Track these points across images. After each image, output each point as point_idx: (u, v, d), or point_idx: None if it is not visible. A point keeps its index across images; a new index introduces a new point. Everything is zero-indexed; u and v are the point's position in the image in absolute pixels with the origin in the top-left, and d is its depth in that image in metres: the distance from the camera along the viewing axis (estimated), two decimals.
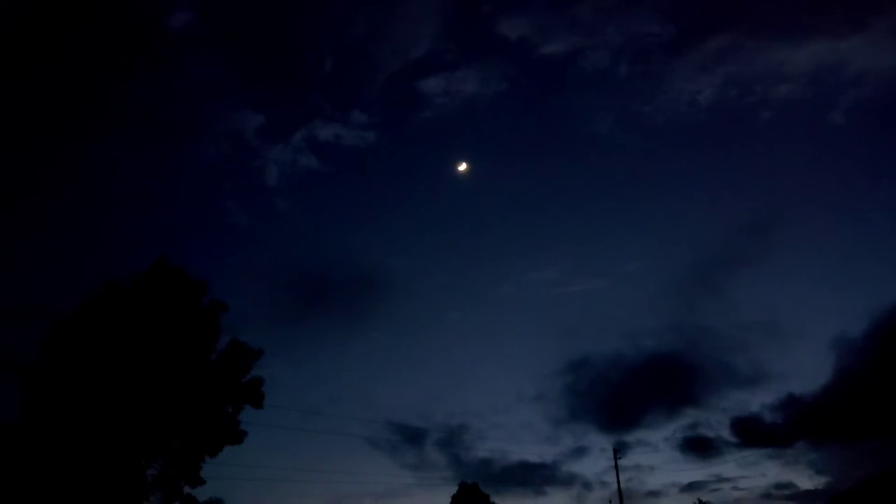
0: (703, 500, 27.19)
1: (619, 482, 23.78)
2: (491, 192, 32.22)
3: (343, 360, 30.89)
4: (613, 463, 23.65)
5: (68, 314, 17.26)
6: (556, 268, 32.12)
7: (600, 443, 30.35)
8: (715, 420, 28.24)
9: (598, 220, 32.97)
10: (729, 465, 33.13)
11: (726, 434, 28.45)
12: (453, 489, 26.33)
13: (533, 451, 33.06)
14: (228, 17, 31.89)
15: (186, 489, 17.55)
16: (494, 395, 32.88)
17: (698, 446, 27.94)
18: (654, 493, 28.19)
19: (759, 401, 33.53)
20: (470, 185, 32.22)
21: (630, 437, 28.87)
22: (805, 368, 31.33)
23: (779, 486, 28.48)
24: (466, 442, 26.03)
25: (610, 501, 24.27)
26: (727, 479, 28.39)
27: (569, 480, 27.65)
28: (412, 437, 24.05)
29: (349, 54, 32.42)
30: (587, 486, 27.77)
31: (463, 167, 32.28)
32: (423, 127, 32.82)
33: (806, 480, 33.14)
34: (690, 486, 28.18)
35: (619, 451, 24.13)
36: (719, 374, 29.23)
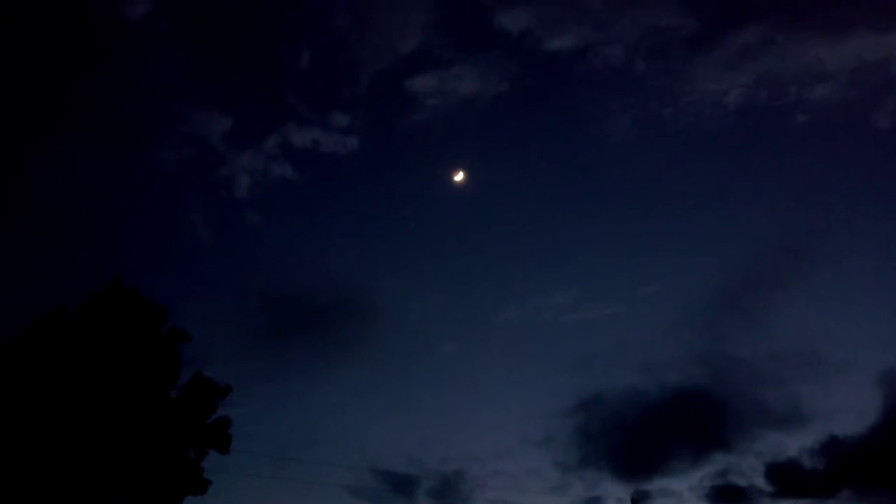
0: None
1: None
2: (491, 206, 30.51)
3: (323, 397, 28.60)
4: None
5: (4, 343, 15.86)
6: (565, 291, 30.17)
7: (616, 492, 28.17)
8: (747, 466, 26.22)
9: (613, 237, 31.02)
10: None
11: (760, 482, 26.49)
12: None
13: (540, 502, 31.31)
14: (192, 8, 30.31)
15: None
16: (495, 437, 30.64)
17: (728, 496, 26.02)
18: None
19: (797, 444, 30.83)
20: (467, 197, 30.48)
21: (650, 486, 26.80)
22: (849, 407, 28.73)
23: None
24: (464, 491, 24.42)
25: None
26: None
27: None
28: (401, 485, 22.35)
29: (329, 49, 30.79)
30: None
31: (459, 177, 30.41)
32: (414, 131, 30.90)
33: None
34: None
35: (638, 501, 22.60)
36: (752, 413, 27.29)
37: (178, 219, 30.09)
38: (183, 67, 30.13)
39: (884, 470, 24.37)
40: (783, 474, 26.72)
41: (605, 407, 28.79)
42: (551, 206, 31.20)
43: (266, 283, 29.55)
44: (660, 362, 28.76)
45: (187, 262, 30.49)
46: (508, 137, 31.20)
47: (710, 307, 29.53)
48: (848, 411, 30.14)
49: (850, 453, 25.95)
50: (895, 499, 25.68)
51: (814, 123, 30.43)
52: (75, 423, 15.72)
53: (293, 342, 29.14)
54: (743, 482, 27.59)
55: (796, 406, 28.82)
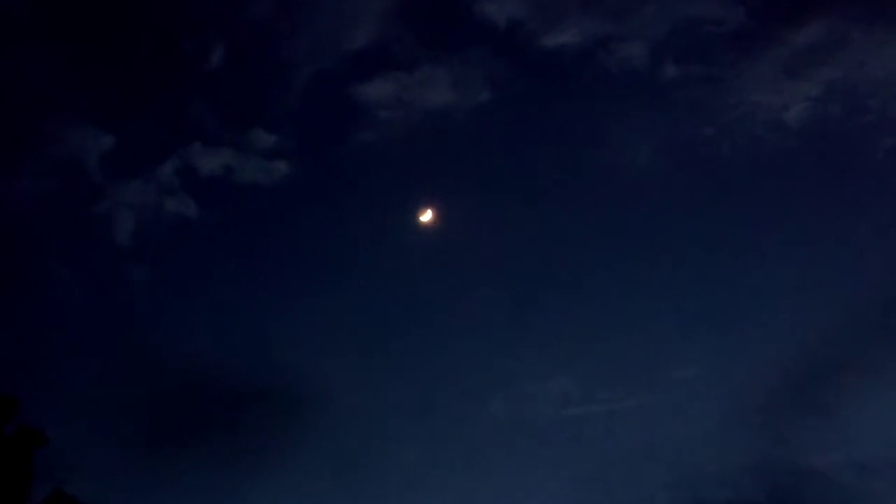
0: None
1: None
2: (469, 256, 25.11)
3: None
4: None
5: None
6: (569, 375, 24.30)
7: None
8: None
9: (632, 302, 25.96)
10: None
11: None
12: None
13: None
14: None
15: None
16: None
17: None
18: None
19: None
20: (436, 245, 25.08)
21: None
22: None
23: None
24: None
25: None
26: None
27: None
28: None
29: (248, 44, 25.05)
30: None
31: (426, 216, 25.37)
32: (364, 155, 25.36)
33: None
34: None
35: None
36: None
37: (36, 271, 23.76)
38: (48, 68, 23.96)
39: None
40: None
41: None
42: (550, 259, 25.87)
43: (157, 362, 23.18)
44: (700, 474, 22.97)
45: (48, 333, 23.85)
46: (492, 164, 25.84)
47: (768, 399, 23.97)
48: None
49: None
50: None
51: None
52: None
53: (193, 447, 22.70)
54: None
55: None
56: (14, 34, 24.34)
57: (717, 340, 25.86)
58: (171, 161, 25.51)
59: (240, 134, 25.95)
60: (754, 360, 25.92)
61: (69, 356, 23.94)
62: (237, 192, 25.62)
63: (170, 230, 25.41)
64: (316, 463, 23.81)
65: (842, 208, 26.42)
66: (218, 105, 26.11)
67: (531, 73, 26.61)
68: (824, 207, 26.71)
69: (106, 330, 24.30)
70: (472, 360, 25.37)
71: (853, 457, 24.23)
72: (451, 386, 25.38)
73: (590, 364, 25.27)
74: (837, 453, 24.16)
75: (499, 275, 25.62)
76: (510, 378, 25.45)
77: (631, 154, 26.30)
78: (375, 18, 25.92)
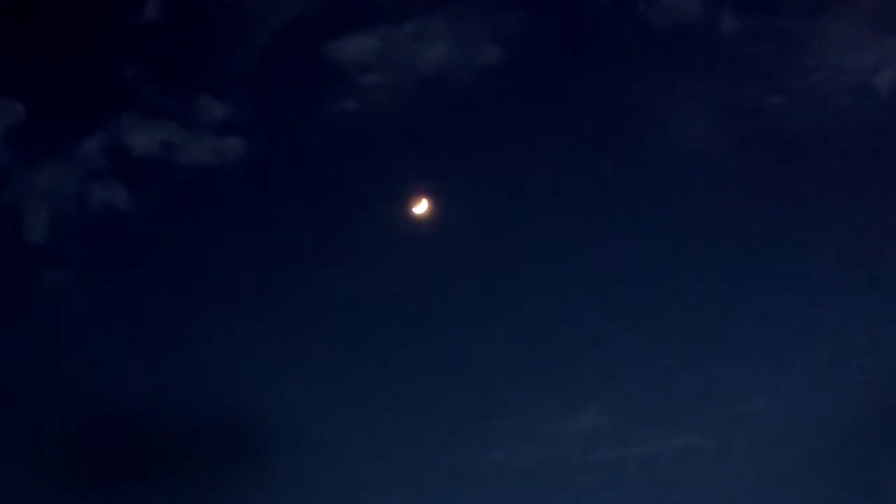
0: None
1: None
2: (474, 257, 21.02)
3: None
4: None
5: None
6: (598, 410, 19.60)
7: None
8: None
9: (681, 317, 21.34)
10: None
11: None
12: None
13: None
14: None
15: None
16: None
17: None
18: None
19: None
20: (433, 243, 20.87)
21: None
22: None
23: None
24: None
25: None
26: None
27: None
28: None
29: None
30: None
31: (420, 207, 21.14)
32: (341, 130, 20.86)
33: None
34: None
35: None
36: None
37: None
38: None
39: None
40: None
41: None
42: (576, 262, 21.21)
43: (79, 389, 19.26)
44: None
45: None
46: (503, 142, 21.36)
47: (856, 440, 19.57)
48: None
49: None
50: None
51: None
52: None
53: (122, 493, 19.03)
54: None
55: None
56: None
57: (790, 365, 20.99)
58: (96, 137, 21.15)
59: (183, 103, 21.22)
60: (839, 390, 21.25)
61: None
62: (180, 175, 20.98)
63: (95, 224, 21.12)
64: None
65: None
66: (155, 67, 21.90)
67: (551, 28, 22.16)
68: None
69: (12, 349, 20.37)
70: (476, 390, 20.44)
71: None
72: (449, 421, 20.70)
73: (626, 395, 20.33)
74: None
75: (511, 281, 20.78)
76: (523, 412, 20.69)
77: (678, 130, 21.31)
78: None
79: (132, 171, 19.93)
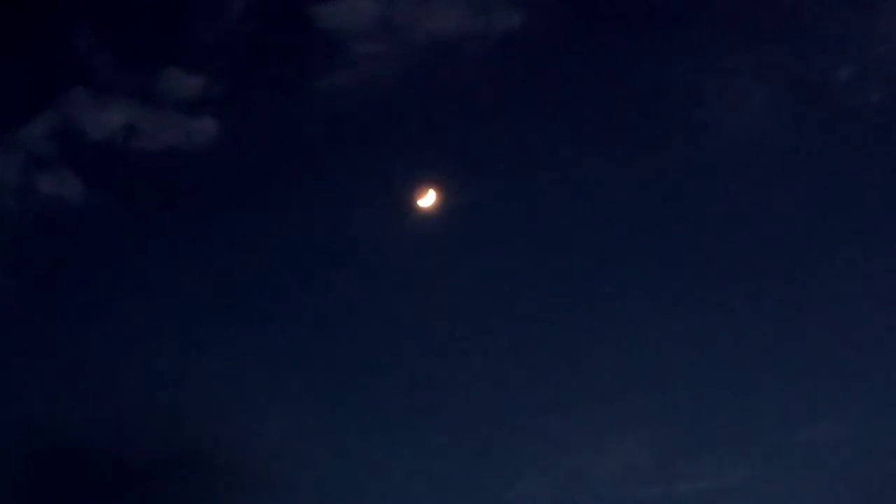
0: None
1: None
2: (490, 257, 18.44)
3: None
4: None
5: None
6: (637, 440, 17.28)
7: None
8: None
9: (734, 329, 18.61)
10: None
11: None
12: None
13: None
14: None
15: None
16: None
17: None
18: None
19: None
20: (442, 240, 18.44)
21: None
22: None
23: None
24: None
25: None
26: None
27: None
28: None
29: None
30: None
31: (427, 198, 18.78)
32: (335, 108, 18.75)
33: None
34: None
35: None
36: None
37: None
38: None
39: None
40: None
41: None
42: (610, 263, 18.77)
43: (24, 412, 16.90)
44: None
45: None
46: (524, 120, 18.98)
47: None
48: None
49: None
50: None
51: None
52: None
53: None
54: None
55: None
56: None
57: (860, 385, 18.62)
58: (43, 119, 18.96)
59: (147, 77, 19.02)
60: None
61: None
62: (143, 163, 18.74)
63: (41, 221, 18.95)
64: None
65: None
66: (112, 35, 19.46)
67: None
68: None
69: None
70: (492, 414, 18.23)
71: None
72: (462, 453, 18.42)
73: (669, 423, 17.98)
74: None
75: (532, 287, 18.37)
76: (549, 443, 18.26)
77: (728, 109, 18.83)
78: None
79: (85, 158, 17.41)
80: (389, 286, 17.26)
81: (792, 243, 17.70)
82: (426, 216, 16.98)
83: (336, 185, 17.57)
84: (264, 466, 16.31)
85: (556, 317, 17.26)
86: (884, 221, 17.63)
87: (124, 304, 17.23)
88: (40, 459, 15.95)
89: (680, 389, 16.83)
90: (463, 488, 17.16)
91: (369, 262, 17.28)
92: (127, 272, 17.32)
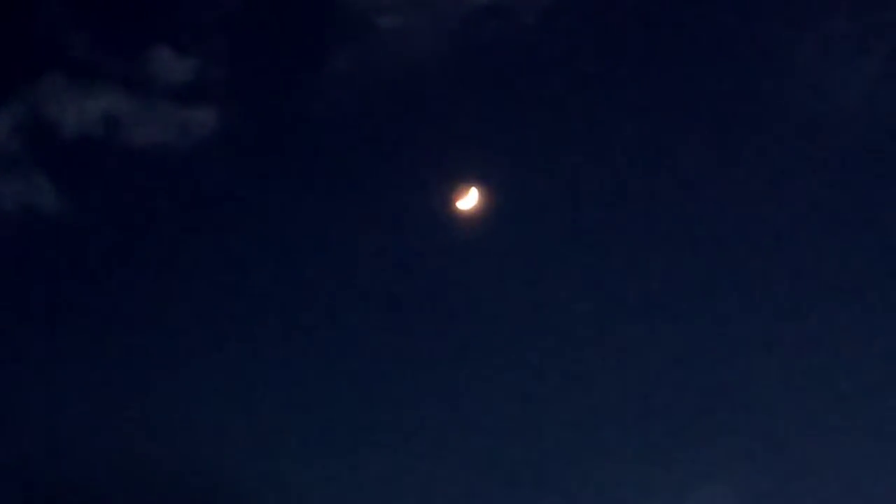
0: None
1: None
2: (540, 268, 15.31)
3: None
4: None
5: None
6: (726, 485, 14.33)
7: None
8: None
9: (840, 354, 14.87)
10: None
11: None
12: None
13: None
14: None
15: None
16: None
17: None
18: None
19: None
20: (486, 247, 15.69)
21: None
22: None
23: None
24: None
25: None
26: None
27: None
28: None
29: None
30: None
31: (468, 200, 15.99)
32: (353, 94, 15.56)
33: None
34: None
35: None
36: None
37: None
38: None
39: None
40: None
41: None
42: (682, 274, 15.26)
43: None
44: None
45: None
46: (580, 104, 15.94)
47: None
48: None
49: None
50: None
51: None
52: None
53: None
54: None
55: None
56: None
57: None
58: (8, 111, 16.32)
59: (131, 61, 16.68)
60: None
61: None
62: (126, 161, 16.22)
63: (9, 232, 16.28)
64: None
65: None
66: (93, 11, 16.72)
67: None
68: None
69: None
70: (548, 458, 15.54)
71: None
72: (510, 498, 15.88)
73: (765, 465, 15.39)
74: None
75: (592, 303, 15.35)
76: (617, 487, 15.74)
77: (827, 84, 16.27)
78: None
79: (59, 155, 14.90)
80: (424, 301, 14.52)
81: None
82: (466, 219, 14.33)
83: (358, 186, 14.87)
84: None
85: (623, 343, 14.36)
86: None
87: (103, 324, 14.61)
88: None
89: (776, 430, 14.05)
90: None
91: (399, 271, 14.58)
92: (107, 293, 14.69)
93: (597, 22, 15.15)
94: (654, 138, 14.87)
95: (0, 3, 14.96)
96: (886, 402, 13.59)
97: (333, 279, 14.49)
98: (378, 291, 14.42)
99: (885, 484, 13.48)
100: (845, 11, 14.78)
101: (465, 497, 13.56)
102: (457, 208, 14.27)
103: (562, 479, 13.82)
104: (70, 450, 13.32)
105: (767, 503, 13.59)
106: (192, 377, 14.05)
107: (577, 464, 13.85)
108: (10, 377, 13.91)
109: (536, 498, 13.58)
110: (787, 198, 14.42)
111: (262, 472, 13.45)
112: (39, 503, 13.16)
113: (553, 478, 13.85)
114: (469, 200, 14.25)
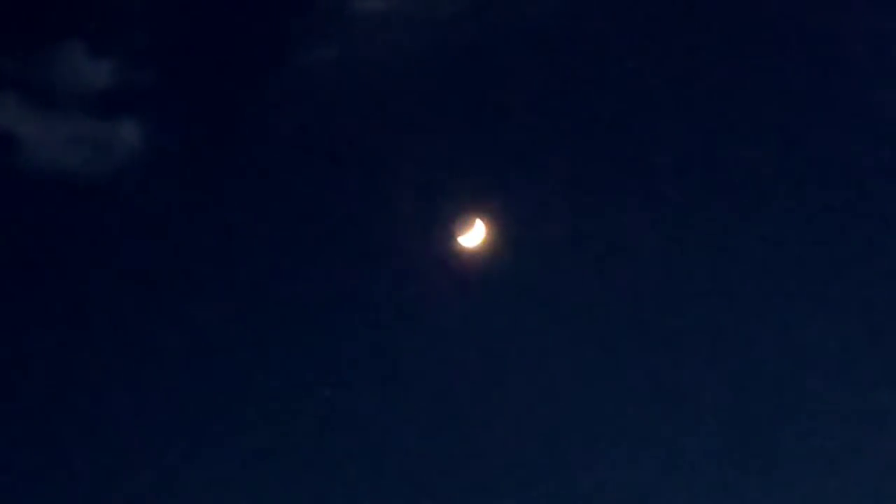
0: None
1: None
2: (562, 309, 12.66)
3: None
4: None
5: None
6: None
7: None
8: None
9: None
10: None
11: None
12: None
13: None
14: None
15: None
16: None
17: None
18: None
19: None
20: (493, 288, 12.79)
21: None
22: None
23: None
24: None
25: None
26: None
27: None
28: None
29: None
30: None
31: (472, 235, 13.34)
32: (325, 95, 12.77)
33: None
34: None
35: None
36: None
37: None
38: None
39: None
40: None
41: None
42: (720, 311, 12.35)
43: None
44: None
45: None
46: (602, 108, 13.42)
47: None
48: None
49: None
50: None
51: None
52: None
53: None
54: None
55: None
56: None
57: None
58: None
59: (34, 63, 13.62)
60: None
61: None
62: (28, 188, 13.18)
63: None
64: None
65: None
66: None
67: None
68: None
69: None
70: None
71: None
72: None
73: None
74: None
75: (622, 347, 12.91)
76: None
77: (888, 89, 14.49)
78: None
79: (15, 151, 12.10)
80: (419, 351, 11.92)
81: None
82: (471, 256, 11.86)
83: (331, 214, 12.20)
84: None
85: (642, 385, 12.32)
86: None
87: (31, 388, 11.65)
88: None
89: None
90: None
91: (391, 317, 11.94)
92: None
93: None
94: (703, 160, 12.69)
95: None
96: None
97: (304, 333, 11.81)
98: (362, 341, 11.84)
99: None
100: None
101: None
102: (457, 243, 12.14)
103: None
104: None
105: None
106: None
107: None
108: None
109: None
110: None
111: None
112: None
113: None
114: (472, 236, 12.20)
